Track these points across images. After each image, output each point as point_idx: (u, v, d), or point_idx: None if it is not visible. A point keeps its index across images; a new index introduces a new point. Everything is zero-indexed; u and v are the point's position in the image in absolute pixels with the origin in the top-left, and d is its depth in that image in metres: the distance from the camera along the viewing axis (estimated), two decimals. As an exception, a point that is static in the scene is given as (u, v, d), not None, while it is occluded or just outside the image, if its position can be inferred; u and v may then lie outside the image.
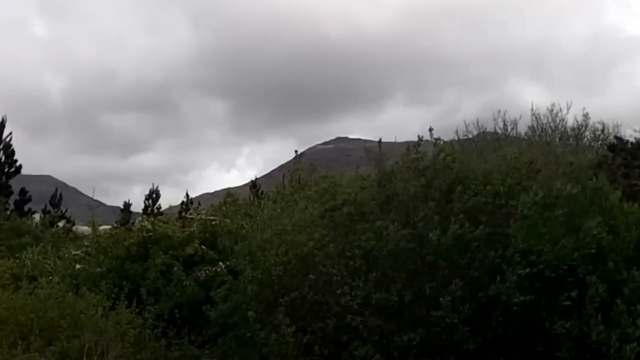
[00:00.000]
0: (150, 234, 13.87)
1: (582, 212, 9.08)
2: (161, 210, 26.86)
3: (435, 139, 10.25)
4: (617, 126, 18.76)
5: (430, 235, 9.04)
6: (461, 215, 9.10)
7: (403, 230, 9.31)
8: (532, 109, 19.59)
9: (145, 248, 13.83)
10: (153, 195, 27.84)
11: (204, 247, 13.41)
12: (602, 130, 18.01)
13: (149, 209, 27.32)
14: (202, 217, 14.40)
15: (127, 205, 27.83)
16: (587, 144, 17.39)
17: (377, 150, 10.84)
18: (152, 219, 15.57)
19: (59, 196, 25.90)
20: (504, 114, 19.64)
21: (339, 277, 9.28)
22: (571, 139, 17.13)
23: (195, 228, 13.99)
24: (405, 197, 9.74)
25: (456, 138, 18.60)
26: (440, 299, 8.63)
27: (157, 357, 10.62)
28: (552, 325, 8.42)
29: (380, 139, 11.05)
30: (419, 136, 10.41)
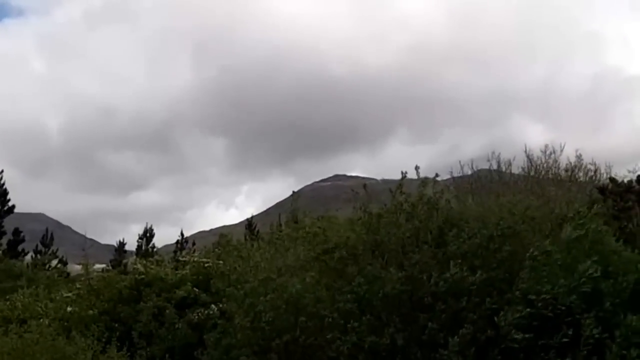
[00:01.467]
0: (143, 276, 13.86)
1: (581, 256, 9.14)
2: (155, 249, 26.84)
3: (423, 179, 10.24)
4: (609, 167, 18.80)
5: (426, 277, 9.03)
6: (459, 260, 9.10)
7: (398, 273, 9.29)
8: (526, 150, 19.59)
9: (138, 290, 13.82)
10: (147, 235, 27.77)
11: (196, 289, 13.39)
12: (595, 171, 18.04)
13: (143, 248, 27.26)
14: (195, 259, 14.40)
15: (122, 244, 27.75)
16: (581, 185, 17.40)
17: (364, 192, 10.77)
18: (144, 260, 15.54)
19: (50, 235, 25.79)
20: (498, 155, 19.65)
21: (330, 320, 9.22)
22: (564, 179, 17.13)
23: (188, 270, 13.99)
24: (395, 241, 9.71)
25: (450, 177, 18.63)
26: (450, 339, 8.58)
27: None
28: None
29: (365, 184, 10.98)
30: (402, 172, 10.41)
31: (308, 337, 9.38)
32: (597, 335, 8.42)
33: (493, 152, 19.26)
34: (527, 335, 8.42)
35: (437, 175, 10.44)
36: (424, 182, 10.20)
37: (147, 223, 28.79)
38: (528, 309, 8.48)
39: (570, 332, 8.44)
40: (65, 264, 24.38)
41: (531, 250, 8.92)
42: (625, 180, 13.33)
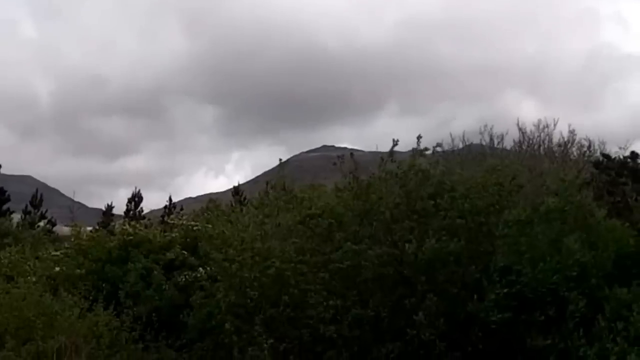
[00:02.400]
0: (131, 237, 13.87)
1: (567, 230, 9.16)
2: (143, 213, 26.84)
3: (415, 149, 10.25)
4: (602, 143, 18.85)
5: (407, 247, 9.09)
6: (442, 232, 9.15)
7: (383, 248, 9.35)
8: (518, 124, 19.60)
9: (126, 251, 13.83)
10: (135, 199, 27.73)
11: (185, 252, 13.42)
12: (589, 147, 18.09)
13: (131, 212, 27.25)
14: (184, 222, 14.41)
15: (110, 208, 27.72)
16: (574, 160, 17.41)
17: (351, 160, 10.75)
18: (133, 222, 15.55)
19: (39, 197, 25.69)
20: (491, 128, 19.64)
21: (314, 294, 9.28)
22: (557, 154, 17.16)
23: (176, 233, 14.01)
24: (384, 208, 9.75)
25: (441, 151, 18.54)
26: (414, 316, 8.65)
27: (134, 359, 10.59)
28: (532, 341, 8.46)
29: (352, 153, 10.96)
30: (393, 140, 10.41)
31: (292, 310, 9.44)
32: (582, 310, 8.51)
33: (485, 125, 19.31)
34: (505, 315, 8.47)
35: (426, 149, 10.36)
36: (415, 151, 10.21)
37: (135, 187, 28.84)
38: (506, 289, 8.52)
39: (552, 310, 8.52)
40: (53, 224, 24.32)
41: (501, 227, 8.87)
42: (620, 156, 13.34)
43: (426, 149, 10.25)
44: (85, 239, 14.62)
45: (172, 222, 15.02)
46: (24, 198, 33.78)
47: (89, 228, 17.95)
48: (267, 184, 12.29)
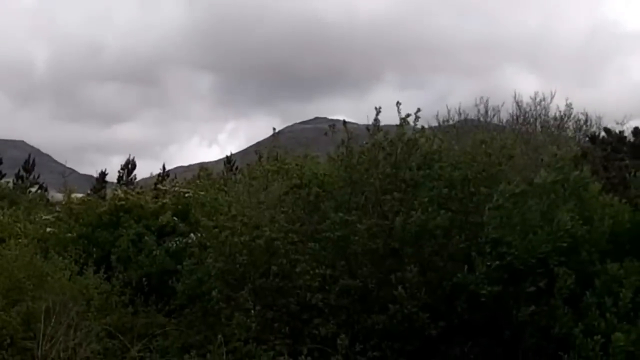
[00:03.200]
0: (123, 202, 13.86)
1: (560, 203, 9.11)
2: (136, 181, 26.77)
3: (402, 119, 10.18)
4: (599, 118, 18.78)
5: (395, 219, 9.07)
6: (429, 204, 9.12)
7: (372, 220, 9.33)
8: (515, 96, 19.44)
9: (117, 216, 13.84)
10: (129, 166, 27.63)
11: (176, 218, 13.41)
12: (585, 122, 18.04)
13: (123, 179, 27.15)
14: (176, 189, 14.40)
15: (102, 174, 27.62)
16: (570, 134, 17.35)
17: (344, 130, 10.68)
18: (125, 188, 15.52)
19: (32, 161, 25.58)
20: (487, 101, 19.50)
21: (304, 264, 9.26)
22: (553, 128, 17.09)
23: (168, 200, 14.00)
24: (373, 181, 9.72)
25: (437, 124, 18.55)
26: (394, 291, 8.64)
27: (124, 323, 10.58)
28: (518, 313, 8.46)
29: (345, 121, 10.86)
30: (376, 108, 10.34)
31: (281, 280, 9.43)
32: (571, 286, 8.50)
33: (481, 97, 19.17)
34: (495, 287, 8.43)
35: (408, 115, 10.25)
36: (402, 120, 10.13)
37: (129, 154, 28.72)
38: (497, 262, 8.50)
39: (542, 283, 8.52)
40: (45, 190, 24.23)
41: (495, 197, 8.83)
42: (618, 131, 13.28)
43: (408, 115, 10.13)
44: (76, 203, 14.60)
45: (164, 188, 15.01)
46: (17, 163, 33.68)
47: (80, 195, 17.90)
48: (256, 152, 12.20)
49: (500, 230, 8.63)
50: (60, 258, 11.21)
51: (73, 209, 14.48)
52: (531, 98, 19.21)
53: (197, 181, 15.52)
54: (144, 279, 11.97)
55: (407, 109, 10.18)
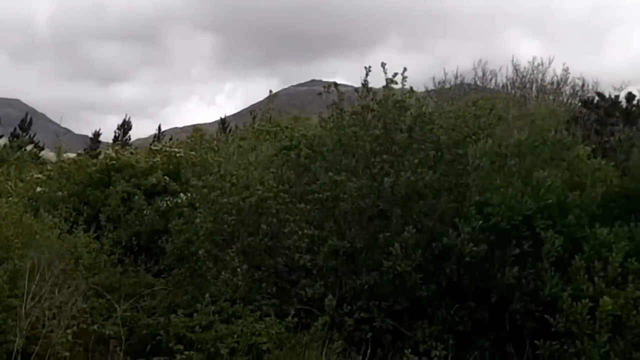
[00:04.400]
0: (114, 162, 13.64)
1: (543, 165, 8.94)
2: (130, 141, 26.50)
3: (388, 79, 9.93)
4: (596, 83, 18.50)
5: (385, 180, 8.89)
6: (418, 165, 8.93)
7: (362, 181, 9.16)
8: (512, 60, 19.10)
9: (108, 176, 13.62)
10: (124, 126, 27.33)
11: (167, 177, 13.21)
12: (582, 86, 17.75)
13: (119, 139, 26.87)
14: (167, 148, 14.17)
15: (97, 134, 27.32)
16: (566, 99, 17.10)
17: (335, 92, 10.42)
18: (117, 147, 15.29)
19: (29, 120, 25.27)
20: (484, 64, 19.20)
21: (292, 224, 9.09)
22: (550, 93, 16.83)
23: (159, 159, 13.77)
24: (363, 144, 9.52)
25: (434, 87, 18.23)
26: (391, 247, 8.50)
27: (112, 282, 10.42)
28: (504, 276, 8.31)
29: (336, 83, 10.57)
30: (365, 68, 10.09)
31: (269, 240, 9.28)
32: (559, 249, 8.36)
33: (479, 61, 18.84)
34: (481, 248, 8.30)
35: (395, 74, 10.01)
36: (390, 81, 9.90)
37: (126, 114, 28.35)
38: (481, 222, 8.33)
39: (527, 245, 8.37)
40: (41, 149, 23.98)
41: (471, 159, 8.64)
42: (613, 96, 13.01)
43: (395, 74, 9.89)
44: (68, 162, 14.38)
45: (155, 147, 14.78)
46: (11, 122, 33.33)
47: (72, 155, 17.66)
48: (250, 113, 11.97)
49: (484, 193, 8.46)
50: (50, 216, 10.98)
51: (64, 168, 14.23)
52: (529, 62, 18.97)
53: (189, 141, 15.31)
54: (133, 238, 11.79)
55: (410, 71, 9.91)
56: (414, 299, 8.68)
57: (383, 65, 10.08)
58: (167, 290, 10.18)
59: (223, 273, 8.90)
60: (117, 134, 26.68)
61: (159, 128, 27.87)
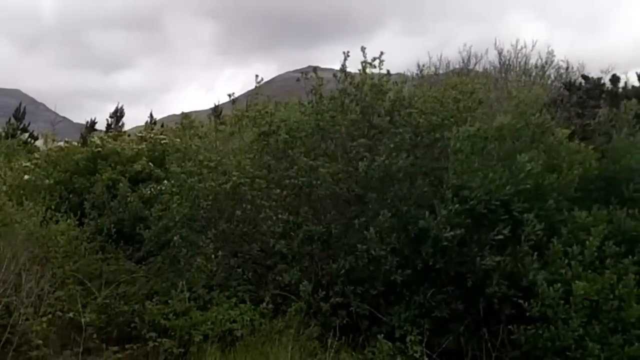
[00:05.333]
0: (100, 149, 13.51)
1: (522, 148, 8.75)
2: (124, 129, 26.27)
3: (364, 62, 9.75)
4: (581, 65, 18.30)
5: (360, 165, 8.72)
6: (394, 149, 8.75)
7: (337, 166, 8.99)
8: (496, 45, 18.86)
9: (94, 163, 13.50)
10: (117, 114, 27.17)
11: (151, 164, 13.06)
12: (567, 69, 17.54)
13: (112, 127, 26.70)
14: (152, 135, 14.02)
15: (92, 122, 27.14)
16: (550, 82, 16.86)
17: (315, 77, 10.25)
18: (102, 135, 15.14)
19: (23, 109, 25.11)
20: (469, 49, 18.98)
21: (267, 210, 8.92)
22: (532, 76, 16.61)
23: (144, 146, 13.63)
24: (339, 127, 9.34)
25: (418, 72, 18.03)
26: (365, 232, 8.34)
27: (93, 270, 10.29)
28: (482, 260, 8.14)
29: (315, 68, 10.40)
30: (344, 52, 9.92)
31: (245, 226, 9.12)
32: (538, 232, 8.17)
33: (464, 45, 18.56)
34: (457, 232, 8.11)
35: (375, 58, 9.83)
36: (367, 64, 9.72)
37: (118, 102, 28.07)
38: (457, 205, 8.13)
39: (505, 230, 8.19)
40: (35, 138, 23.82)
41: (452, 142, 8.44)
42: (595, 78, 12.78)
43: (374, 58, 9.72)
44: (55, 150, 14.25)
45: (141, 134, 14.62)
46: (11, 112, 33.11)
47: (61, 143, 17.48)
48: (233, 102, 11.74)
49: (461, 175, 8.27)
50: (31, 204, 10.83)
51: (52, 156, 14.10)
52: (512, 46, 18.74)
53: (175, 127, 15.14)
54: (112, 225, 11.64)
55: (407, 56, 9.77)
56: (390, 283, 8.52)
57: (363, 49, 9.97)
58: (147, 277, 10.04)
59: (197, 260, 8.72)
60: (109, 122, 26.50)
61: (151, 115, 27.67)
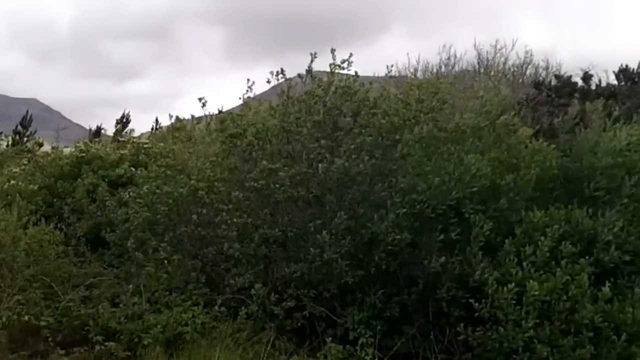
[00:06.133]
0: (84, 154, 13.52)
1: (485, 149, 8.55)
2: (130, 135, 26.35)
3: (331, 64, 9.61)
4: (559, 64, 17.90)
5: (319, 167, 8.57)
6: (354, 151, 8.59)
7: (297, 168, 8.85)
8: (475, 45, 18.43)
9: (79, 168, 13.51)
10: (123, 121, 27.25)
11: (133, 168, 13.02)
12: (546, 69, 17.19)
13: (119, 133, 26.77)
14: (134, 140, 14.01)
15: (98, 128, 27.26)
16: (529, 82, 16.54)
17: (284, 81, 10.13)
18: (86, 140, 15.16)
19: (29, 117, 25.28)
20: (449, 49, 18.48)
21: (224, 213, 8.79)
22: (510, 76, 16.29)
23: (127, 151, 13.62)
24: (301, 129, 9.21)
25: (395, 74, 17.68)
26: (318, 235, 8.18)
27: (62, 273, 10.24)
28: (430, 263, 7.93)
29: (282, 69, 10.22)
30: (311, 54, 9.80)
31: (203, 229, 9.01)
32: (487, 233, 7.97)
33: (444, 45, 18.18)
34: (405, 235, 7.94)
35: (344, 60, 9.71)
36: (335, 66, 9.59)
37: (124, 109, 28.17)
38: (405, 209, 7.95)
39: (454, 233, 7.99)
40: (40, 145, 23.94)
41: (401, 147, 8.25)
42: (567, 77, 12.49)
43: (343, 60, 9.59)
44: (41, 155, 14.31)
45: (123, 139, 14.63)
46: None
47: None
48: (219, 112, 11.69)
49: (412, 178, 8.08)
50: (4, 209, 10.85)
51: (39, 162, 14.16)
52: (491, 46, 18.35)
53: (157, 132, 15.14)
54: (91, 229, 11.61)
55: (415, 57, 9.66)
56: (344, 285, 8.35)
57: (332, 51, 9.90)
58: (112, 280, 9.96)
59: (148, 264, 8.64)
60: (117, 129, 26.57)
61: (156, 121, 27.59)
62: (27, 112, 25.38)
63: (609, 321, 7.59)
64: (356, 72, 9.81)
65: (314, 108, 9.41)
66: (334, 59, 9.69)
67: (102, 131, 26.31)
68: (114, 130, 26.43)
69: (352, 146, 8.68)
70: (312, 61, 9.90)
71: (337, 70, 10.05)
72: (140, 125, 33.40)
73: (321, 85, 9.69)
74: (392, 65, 18.37)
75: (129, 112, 26.93)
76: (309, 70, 9.80)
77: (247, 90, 10.85)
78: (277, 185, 8.69)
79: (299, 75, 9.94)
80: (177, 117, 16.32)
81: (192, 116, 11.94)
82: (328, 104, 9.44)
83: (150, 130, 24.85)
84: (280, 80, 10.33)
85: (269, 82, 10.45)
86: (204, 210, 8.86)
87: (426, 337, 8.15)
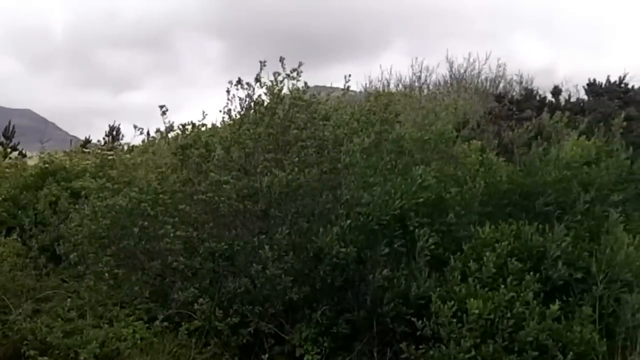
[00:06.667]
0: (47, 165, 13.33)
1: (429, 161, 8.35)
2: (119, 146, 26.14)
3: (274, 74, 9.40)
4: (532, 78, 17.69)
5: (264, 180, 8.35)
6: (299, 164, 8.38)
7: (243, 181, 8.64)
8: (447, 58, 18.11)
9: (43, 179, 13.31)
10: (112, 132, 27.04)
11: (95, 180, 12.78)
12: (520, 83, 16.98)
13: (108, 145, 26.57)
14: (99, 151, 13.82)
15: (87, 140, 27.02)
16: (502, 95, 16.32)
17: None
18: (52, 151, 14.97)
19: (12, 128, 25.14)
20: (421, 62, 18.14)
21: (168, 226, 8.56)
22: (483, 90, 16.05)
23: (91, 161, 13.43)
24: (248, 142, 8.99)
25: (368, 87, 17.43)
26: (260, 250, 7.97)
27: (16, 286, 10.02)
28: (374, 277, 7.72)
29: (240, 78, 9.94)
30: (260, 62, 9.56)
31: (147, 242, 8.79)
32: (431, 247, 7.75)
33: (416, 58, 17.81)
34: (349, 249, 7.72)
35: (294, 70, 9.49)
36: (287, 77, 9.38)
37: (114, 121, 27.87)
38: (350, 222, 7.73)
39: (397, 244, 7.77)
40: (24, 155, 23.75)
41: (343, 157, 8.04)
42: (536, 90, 12.28)
43: (293, 69, 9.38)
44: (5, 166, 14.11)
45: (87, 150, 14.45)
46: (21, 131, 33.24)
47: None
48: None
49: (356, 190, 7.86)
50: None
51: (5, 173, 13.95)
52: (464, 59, 18.09)
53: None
54: (52, 241, 11.36)
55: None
56: (290, 301, 8.12)
57: (281, 59, 9.65)
58: (66, 294, 9.73)
59: (88, 278, 8.43)
60: (106, 141, 26.34)
61: (148, 133, 27.29)
62: (10, 122, 25.15)
63: (556, 339, 7.39)
64: (306, 83, 9.58)
65: (263, 120, 9.19)
66: (284, 68, 9.45)
67: (90, 142, 25.97)
68: (102, 142, 26.16)
69: (296, 159, 8.46)
70: (261, 69, 9.63)
71: (302, 83, 9.80)
72: (138, 138, 33.09)
73: (267, 94, 9.46)
74: (349, 76, 17.88)
75: (119, 124, 26.62)
76: (258, 79, 9.55)
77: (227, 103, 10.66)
78: (222, 198, 8.47)
79: (247, 83, 9.66)
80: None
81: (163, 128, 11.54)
82: (280, 115, 9.21)
83: (141, 142, 24.61)
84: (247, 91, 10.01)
85: (228, 92, 10.19)
86: (146, 223, 8.62)
87: (374, 353, 7.92)
